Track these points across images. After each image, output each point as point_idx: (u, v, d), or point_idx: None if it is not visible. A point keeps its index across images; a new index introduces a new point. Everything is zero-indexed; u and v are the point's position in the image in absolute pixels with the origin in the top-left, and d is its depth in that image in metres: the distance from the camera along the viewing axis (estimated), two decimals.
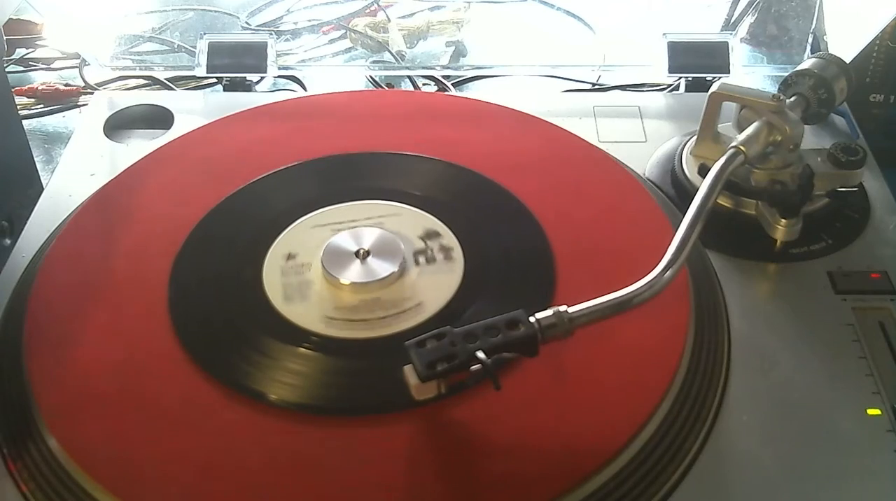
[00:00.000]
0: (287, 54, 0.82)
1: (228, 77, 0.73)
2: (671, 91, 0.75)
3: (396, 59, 0.82)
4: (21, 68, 0.87)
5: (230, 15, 0.87)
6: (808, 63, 0.58)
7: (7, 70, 0.69)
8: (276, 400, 0.44)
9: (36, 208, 0.59)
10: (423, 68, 0.82)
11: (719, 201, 0.53)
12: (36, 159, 0.67)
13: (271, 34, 0.74)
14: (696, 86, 0.71)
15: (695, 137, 0.59)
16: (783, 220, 0.53)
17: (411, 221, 0.54)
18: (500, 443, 0.42)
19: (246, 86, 0.73)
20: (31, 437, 0.43)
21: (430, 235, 0.53)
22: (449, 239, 0.52)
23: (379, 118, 0.63)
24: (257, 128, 0.63)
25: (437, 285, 0.49)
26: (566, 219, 0.54)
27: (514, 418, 0.43)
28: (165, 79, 0.79)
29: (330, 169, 0.58)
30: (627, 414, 0.42)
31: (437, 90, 0.80)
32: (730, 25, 0.76)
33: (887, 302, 0.50)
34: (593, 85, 0.80)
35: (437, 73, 0.80)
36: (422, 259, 0.51)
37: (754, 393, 0.46)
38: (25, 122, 0.71)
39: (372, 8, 0.87)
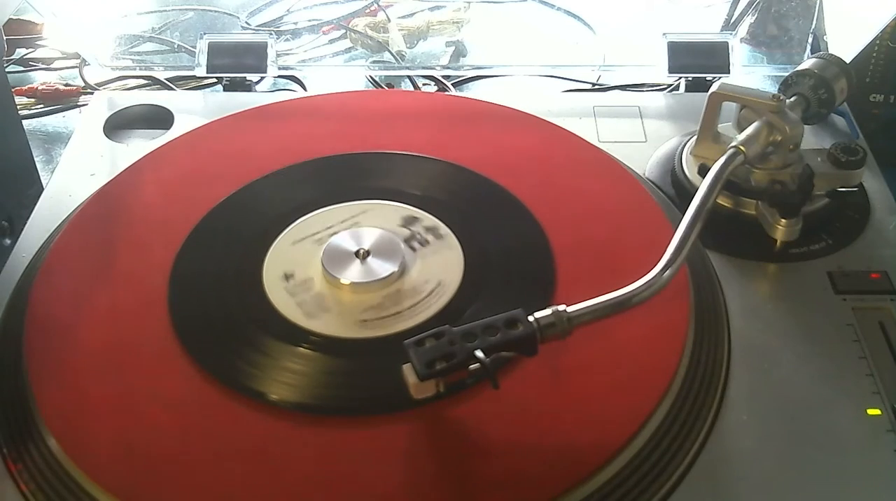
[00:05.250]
0: (287, 54, 0.82)
1: (228, 77, 0.73)
2: (671, 91, 0.75)
3: (396, 59, 0.82)
4: (21, 68, 0.87)
5: (230, 15, 0.87)
6: (808, 63, 0.58)
7: (7, 70, 0.69)
8: (275, 399, 0.44)
9: (36, 208, 0.59)
10: (423, 68, 0.82)
11: (719, 201, 0.53)
12: (36, 159, 0.67)
13: (271, 34, 0.74)
14: (696, 86, 0.71)
15: (695, 137, 0.59)
16: (783, 220, 0.53)
17: (388, 213, 0.54)
18: (499, 443, 0.42)
19: (246, 87, 0.73)
20: (31, 437, 0.43)
21: (410, 222, 0.53)
22: (446, 236, 0.52)
23: (379, 118, 0.63)
24: (257, 128, 0.63)
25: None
26: (566, 218, 0.54)
27: (513, 417, 0.43)
28: (165, 79, 0.79)
29: (330, 169, 0.58)
30: (627, 414, 0.42)
31: (437, 90, 0.80)
32: (730, 25, 0.76)
33: (887, 302, 0.50)
34: (593, 85, 0.80)
35: (437, 73, 0.80)
36: (415, 244, 0.51)
37: (754, 392, 0.46)
38: (25, 122, 0.71)
39: (372, 8, 0.87)
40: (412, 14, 0.87)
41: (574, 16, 0.86)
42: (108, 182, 0.59)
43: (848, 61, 0.58)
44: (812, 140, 0.59)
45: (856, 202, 0.57)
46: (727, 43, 0.70)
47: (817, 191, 0.53)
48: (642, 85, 0.78)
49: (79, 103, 0.81)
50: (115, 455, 0.42)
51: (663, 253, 0.45)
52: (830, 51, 0.66)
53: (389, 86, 0.81)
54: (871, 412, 0.45)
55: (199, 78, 0.76)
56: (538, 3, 0.88)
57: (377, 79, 0.81)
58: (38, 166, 0.67)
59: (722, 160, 0.51)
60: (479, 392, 0.43)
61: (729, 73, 0.69)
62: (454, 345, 0.39)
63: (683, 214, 0.47)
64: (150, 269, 0.51)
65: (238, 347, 0.46)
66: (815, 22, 0.72)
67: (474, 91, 0.80)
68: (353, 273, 0.50)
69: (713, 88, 0.56)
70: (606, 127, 0.65)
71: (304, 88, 0.80)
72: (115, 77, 0.81)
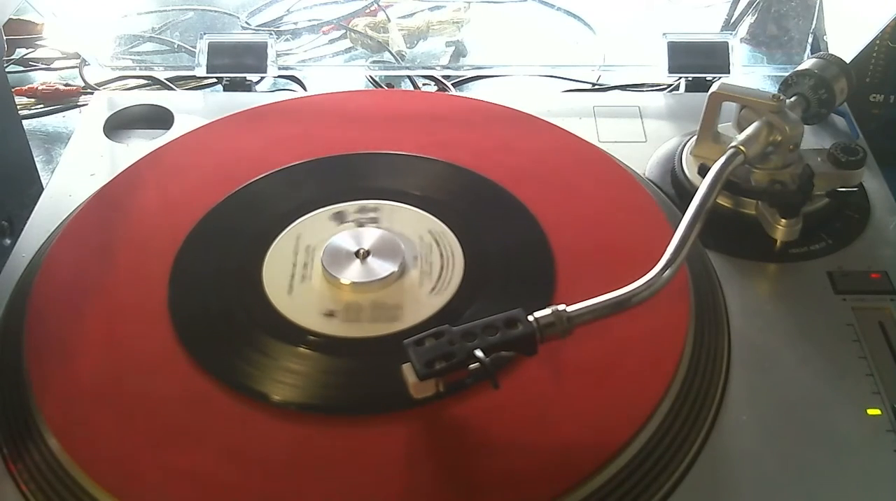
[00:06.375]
0: (287, 54, 0.82)
1: (228, 77, 0.73)
2: (671, 91, 0.74)
3: (396, 59, 0.82)
4: (21, 68, 0.87)
5: (230, 15, 0.87)
6: (808, 63, 0.58)
7: (7, 70, 0.69)
8: (275, 399, 0.44)
9: (36, 208, 0.59)
10: (423, 68, 0.82)
11: (719, 201, 0.53)
12: (36, 159, 0.67)
13: (271, 34, 0.74)
14: (696, 86, 0.71)
15: (695, 137, 0.59)
16: (783, 220, 0.53)
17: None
18: (499, 443, 0.42)
19: (246, 87, 0.73)
20: (31, 437, 0.43)
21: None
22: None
23: (379, 118, 0.63)
24: (257, 128, 0.63)
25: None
26: (566, 218, 0.54)
27: (513, 417, 0.43)
28: (165, 79, 0.79)
29: (330, 169, 0.58)
30: (627, 414, 0.42)
31: (437, 90, 0.80)
32: (730, 25, 0.76)
33: (887, 302, 0.50)
34: (593, 85, 0.80)
35: (437, 73, 0.80)
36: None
37: (754, 392, 0.46)
38: (25, 122, 0.71)
39: (372, 8, 0.87)
40: (412, 14, 0.87)
41: (574, 16, 0.86)
42: (108, 182, 0.59)
43: (848, 61, 0.58)
44: (812, 140, 0.59)
45: (856, 202, 0.57)
46: (727, 43, 0.70)
47: (817, 191, 0.53)
48: (642, 85, 0.78)
49: (79, 103, 0.81)
50: (115, 456, 0.42)
51: (663, 253, 0.45)
52: (830, 51, 0.66)
53: (389, 86, 0.81)
54: (871, 412, 0.45)
55: (199, 78, 0.76)
56: (538, 3, 0.88)
57: (377, 79, 0.81)
58: (38, 166, 0.67)
59: (722, 160, 0.51)
60: (479, 391, 0.43)
61: (729, 72, 0.69)
62: (454, 345, 0.39)
63: (683, 214, 0.47)
64: (150, 269, 0.51)
65: (238, 347, 0.46)
66: (815, 22, 0.72)
67: (474, 91, 0.80)
68: (353, 273, 0.50)
69: (713, 88, 0.56)
70: (606, 127, 0.65)
71: (304, 88, 0.80)
72: (115, 77, 0.81)
